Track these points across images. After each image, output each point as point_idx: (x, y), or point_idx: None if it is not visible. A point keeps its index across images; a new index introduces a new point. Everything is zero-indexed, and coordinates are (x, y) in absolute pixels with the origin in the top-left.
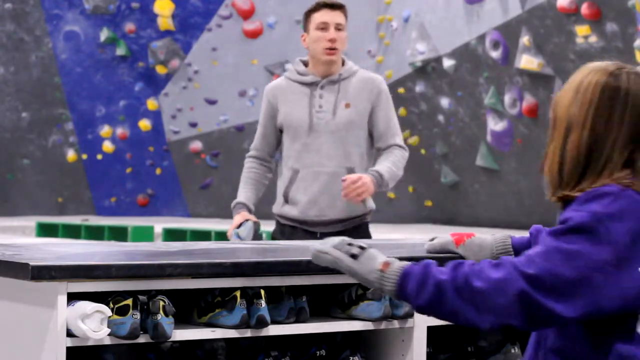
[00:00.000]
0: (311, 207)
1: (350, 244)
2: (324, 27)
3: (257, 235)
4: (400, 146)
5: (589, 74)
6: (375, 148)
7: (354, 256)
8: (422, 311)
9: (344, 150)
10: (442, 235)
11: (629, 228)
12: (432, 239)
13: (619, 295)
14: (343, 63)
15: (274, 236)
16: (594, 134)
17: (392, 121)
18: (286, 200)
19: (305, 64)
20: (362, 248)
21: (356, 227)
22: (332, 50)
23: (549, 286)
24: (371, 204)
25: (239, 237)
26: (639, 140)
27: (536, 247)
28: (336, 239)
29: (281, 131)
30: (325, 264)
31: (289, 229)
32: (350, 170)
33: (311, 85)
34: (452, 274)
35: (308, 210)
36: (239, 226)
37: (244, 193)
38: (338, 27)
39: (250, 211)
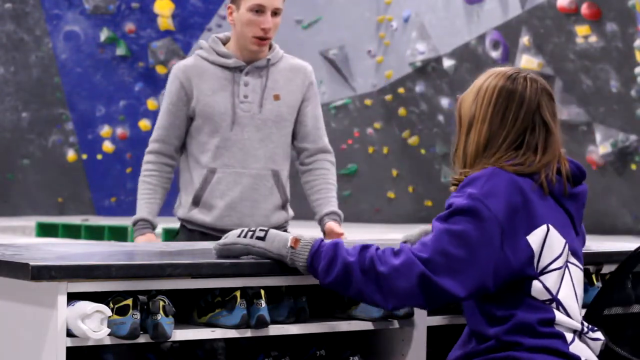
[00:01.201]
0: (229, 213)
1: (251, 230)
2: (259, 9)
3: None
4: (329, 152)
5: (488, 77)
6: (300, 147)
7: (260, 238)
8: (330, 287)
9: (270, 149)
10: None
11: (504, 202)
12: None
13: (510, 264)
14: (270, 46)
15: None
16: (490, 129)
17: (320, 118)
18: (196, 203)
19: (224, 42)
20: (263, 231)
21: None
22: (264, 40)
23: (442, 266)
24: (291, 212)
25: None
26: (528, 130)
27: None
28: (235, 231)
29: (191, 120)
30: (235, 254)
31: (199, 235)
32: (276, 174)
33: (233, 69)
34: (359, 256)
35: (225, 218)
36: None
37: (147, 205)
38: (275, 12)
39: (154, 228)
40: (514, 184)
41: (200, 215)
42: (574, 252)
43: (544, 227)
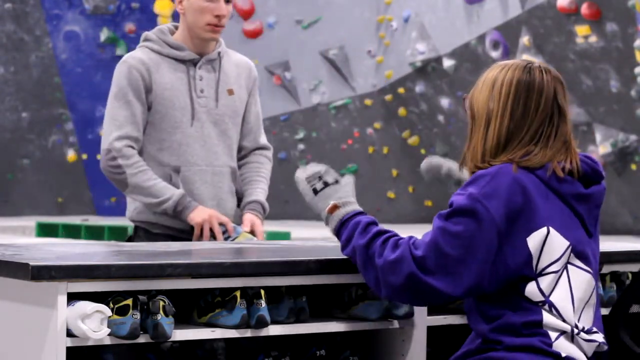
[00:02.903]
0: None
1: (320, 177)
2: None
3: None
4: (267, 148)
5: (501, 71)
6: (239, 145)
7: (315, 191)
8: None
9: (227, 145)
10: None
11: (504, 203)
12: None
13: (507, 265)
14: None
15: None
16: (513, 121)
17: (260, 115)
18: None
19: (172, 32)
20: (326, 184)
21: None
22: (218, 27)
23: (434, 264)
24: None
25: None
26: (547, 119)
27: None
28: (314, 169)
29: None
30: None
31: (165, 239)
32: (233, 171)
33: (187, 62)
34: (367, 242)
35: None
36: (228, 237)
37: (170, 186)
38: None
39: None
40: (517, 184)
41: (167, 218)
42: (581, 254)
43: (543, 230)
